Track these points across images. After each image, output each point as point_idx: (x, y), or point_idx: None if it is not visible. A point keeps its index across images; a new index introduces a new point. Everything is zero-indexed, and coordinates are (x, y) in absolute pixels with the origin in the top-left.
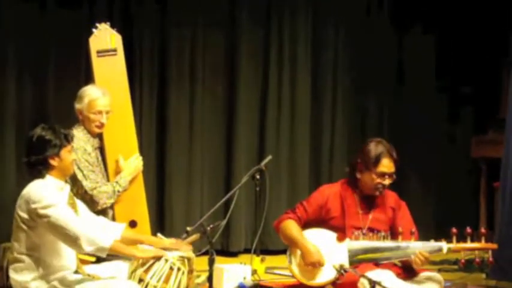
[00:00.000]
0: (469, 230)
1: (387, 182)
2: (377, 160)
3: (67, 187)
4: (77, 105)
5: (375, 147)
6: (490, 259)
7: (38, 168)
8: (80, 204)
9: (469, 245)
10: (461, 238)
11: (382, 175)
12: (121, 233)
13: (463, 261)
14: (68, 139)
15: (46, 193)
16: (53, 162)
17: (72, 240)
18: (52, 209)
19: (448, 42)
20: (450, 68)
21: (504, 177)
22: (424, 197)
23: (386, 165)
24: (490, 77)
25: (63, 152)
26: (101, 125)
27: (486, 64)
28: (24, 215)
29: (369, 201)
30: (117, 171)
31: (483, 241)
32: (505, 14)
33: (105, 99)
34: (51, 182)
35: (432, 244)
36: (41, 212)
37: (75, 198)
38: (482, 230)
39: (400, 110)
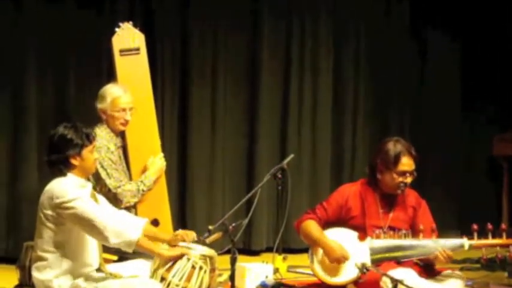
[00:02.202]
0: (490, 226)
1: (409, 180)
2: (397, 159)
3: (89, 185)
4: (99, 105)
5: (393, 147)
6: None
7: (59, 167)
8: (103, 200)
9: (490, 241)
10: (483, 235)
11: (403, 174)
12: (143, 227)
13: (484, 257)
14: (90, 139)
15: (69, 188)
16: (74, 161)
17: (99, 232)
18: (78, 201)
19: (469, 42)
20: (472, 67)
21: None
22: (446, 196)
23: (407, 163)
24: None
25: (85, 152)
26: (126, 122)
27: (508, 63)
28: (49, 212)
29: (390, 200)
30: (143, 170)
31: (504, 237)
32: None
33: (128, 97)
34: (72, 180)
35: (454, 241)
36: (67, 205)
37: (97, 195)
38: (503, 226)
39: (421, 109)
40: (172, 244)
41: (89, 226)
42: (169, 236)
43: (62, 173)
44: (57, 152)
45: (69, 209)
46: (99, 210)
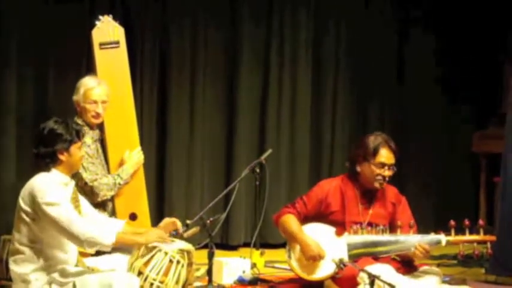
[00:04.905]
0: (467, 222)
1: (387, 173)
2: (375, 151)
3: (72, 183)
4: (74, 97)
5: (373, 139)
6: (489, 251)
7: (45, 160)
8: (83, 201)
9: (467, 237)
10: (460, 231)
11: (382, 166)
12: (121, 229)
13: (462, 253)
14: (79, 136)
15: (50, 189)
16: (62, 157)
17: (74, 241)
18: (55, 208)
19: (449, 38)
20: (451, 63)
21: (504, 173)
22: (424, 192)
23: (385, 155)
24: (492, 72)
25: (73, 148)
26: (97, 115)
27: (488, 59)
28: (27, 208)
29: (369, 196)
30: (120, 164)
31: (481, 233)
32: (505, 11)
33: (101, 89)
34: (56, 177)
35: (431, 237)
36: (44, 208)
37: (79, 195)
38: (481, 222)
39: (401, 105)
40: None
41: (64, 233)
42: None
43: (47, 168)
44: (46, 145)
45: (46, 213)
46: (75, 219)
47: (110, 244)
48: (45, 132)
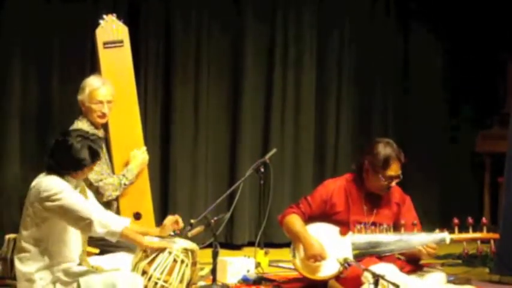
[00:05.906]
0: (470, 220)
1: (394, 183)
2: (385, 164)
3: (81, 183)
4: (79, 97)
5: (383, 150)
6: (493, 249)
7: (57, 173)
8: (91, 196)
9: (471, 235)
10: (463, 229)
11: (390, 178)
12: (128, 222)
13: (466, 250)
14: (97, 158)
15: (56, 182)
16: (75, 175)
17: (85, 223)
18: (63, 194)
19: (452, 38)
20: (455, 62)
21: (508, 172)
22: (429, 191)
23: (394, 168)
24: (496, 71)
25: (87, 169)
26: (103, 115)
27: (492, 59)
28: (35, 205)
29: (374, 197)
30: (125, 164)
31: (485, 231)
32: (508, 10)
33: (106, 89)
34: (65, 180)
35: (435, 235)
36: (53, 197)
37: (86, 190)
38: (484, 220)
39: (405, 105)
40: (163, 237)
41: (74, 217)
42: (158, 230)
43: (58, 174)
44: (63, 166)
45: (56, 201)
46: (85, 202)
47: (119, 231)
48: (68, 152)
